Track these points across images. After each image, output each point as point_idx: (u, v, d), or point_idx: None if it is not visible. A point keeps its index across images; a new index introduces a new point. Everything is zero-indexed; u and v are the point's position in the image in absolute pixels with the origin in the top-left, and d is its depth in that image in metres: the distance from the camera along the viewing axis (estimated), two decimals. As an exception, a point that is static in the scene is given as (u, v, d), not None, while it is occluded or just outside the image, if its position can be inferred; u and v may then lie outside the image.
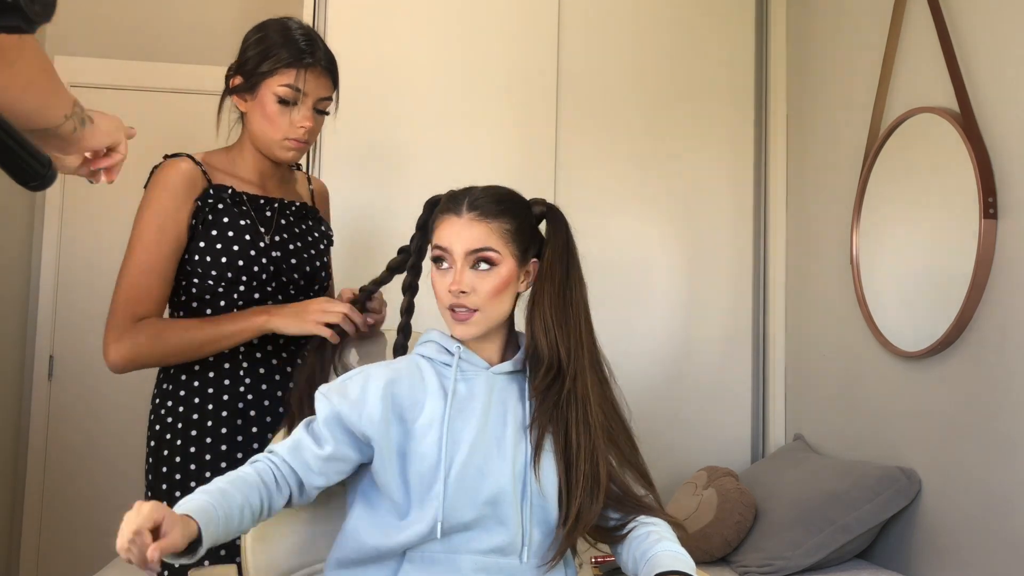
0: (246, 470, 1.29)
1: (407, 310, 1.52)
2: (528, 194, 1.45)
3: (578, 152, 2.97)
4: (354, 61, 2.84)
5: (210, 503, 1.17)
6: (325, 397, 1.34)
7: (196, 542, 1.12)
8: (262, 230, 1.71)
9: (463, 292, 1.31)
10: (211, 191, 1.68)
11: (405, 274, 1.52)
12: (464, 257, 1.32)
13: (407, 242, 1.52)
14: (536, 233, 1.42)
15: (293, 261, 1.74)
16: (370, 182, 2.83)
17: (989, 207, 2.07)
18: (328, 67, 1.71)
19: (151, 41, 3.60)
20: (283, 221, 1.76)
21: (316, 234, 1.83)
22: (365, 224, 2.77)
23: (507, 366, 1.38)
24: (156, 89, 3.64)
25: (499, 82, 2.93)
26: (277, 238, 1.73)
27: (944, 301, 2.18)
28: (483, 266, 1.33)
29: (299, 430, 1.34)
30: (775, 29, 3.07)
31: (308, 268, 1.77)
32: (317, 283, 1.80)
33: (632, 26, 3.03)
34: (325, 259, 1.84)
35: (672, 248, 3.04)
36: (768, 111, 3.06)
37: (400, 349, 1.52)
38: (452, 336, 1.37)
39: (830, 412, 2.74)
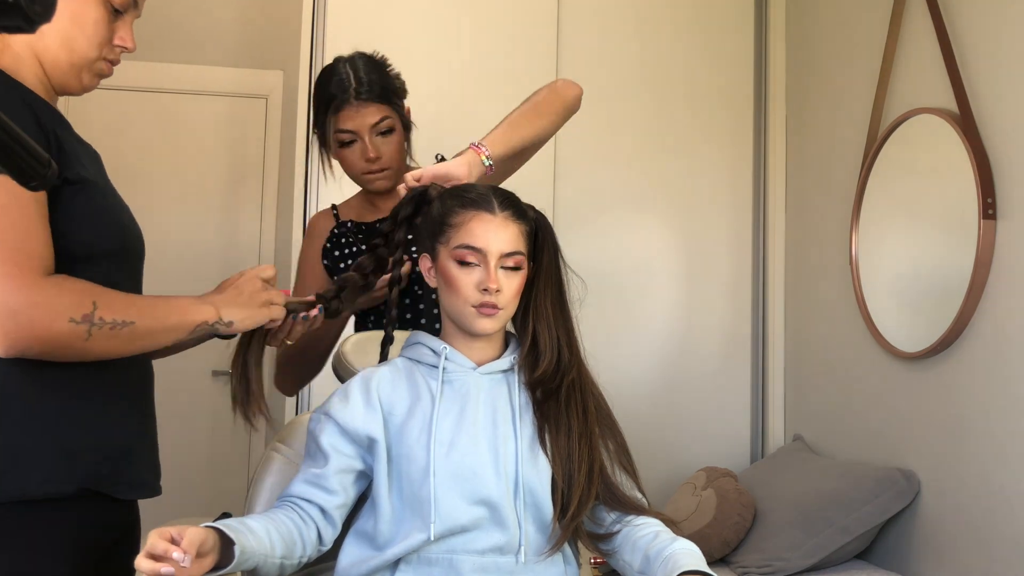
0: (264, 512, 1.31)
1: (392, 304, 1.50)
2: (527, 195, 1.45)
3: (577, 153, 2.97)
4: (354, 61, 2.85)
5: (225, 522, 1.17)
6: (323, 415, 1.34)
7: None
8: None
9: (498, 291, 1.31)
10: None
11: (390, 269, 1.50)
12: (498, 258, 1.32)
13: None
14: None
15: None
16: (370, 182, 2.84)
17: (988, 208, 2.07)
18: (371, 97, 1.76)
19: (152, 41, 3.60)
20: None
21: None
22: (365, 224, 2.77)
23: (497, 365, 1.38)
24: (156, 90, 3.65)
25: (498, 82, 2.92)
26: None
27: (943, 302, 2.18)
28: (513, 267, 1.33)
29: (301, 466, 1.35)
30: (774, 30, 3.07)
31: None
32: None
33: (631, 28, 3.03)
34: None
35: (672, 248, 3.04)
36: (767, 112, 3.06)
37: (387, 341, 1.51)
38: (470, 332, 1.35)
39: (829, 413, 2.74)
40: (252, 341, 1.41)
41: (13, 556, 1.14)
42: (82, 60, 1.27)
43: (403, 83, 1.84)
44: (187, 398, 3.58)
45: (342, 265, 1.85)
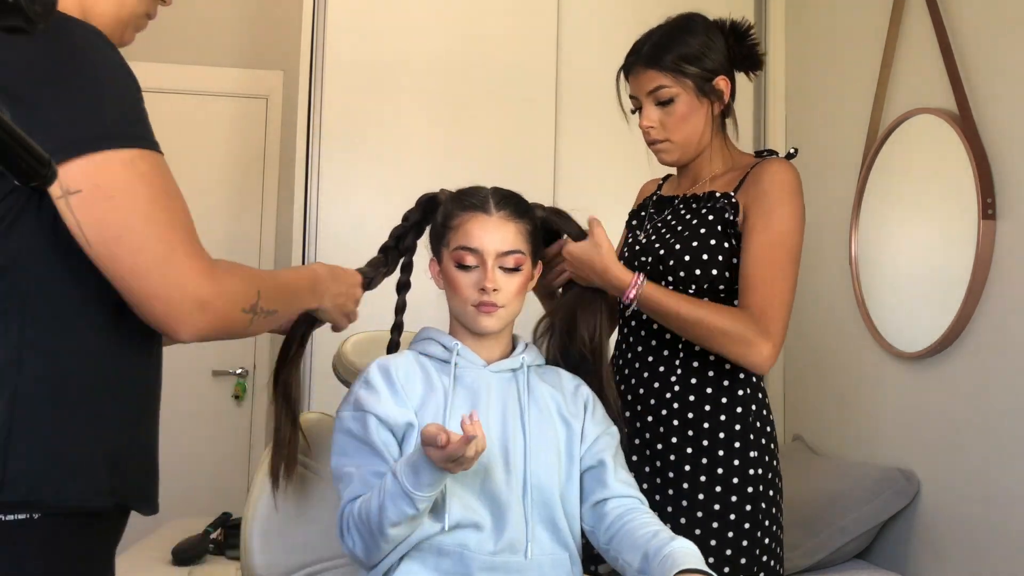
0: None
1: (400, 308, 1.51)
2: (527, 194, 1.45)
3: (578, 152, 2.97)
4: (353, 61, 2.85)
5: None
6: (359, 412, 1.31)
7: None
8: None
9: (495, 290, 1.32)
10: None
11: (398, 273, 1.51)
12: (495, 257, 1.33)
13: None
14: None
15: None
16: (369, 182, 2.84)
17: (988, 208, 2.08)
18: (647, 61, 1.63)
19: (152, 42, 3.59)
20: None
21: (694, 221, 1.62)
22: (364, 224, 2.77)
23: (507, 364, 1.39)
24: (157, 90, 3.65)
25: (499, 82, 2.93)
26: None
27: (943, 301, 2.18)
28: (512, 266, 1.35)
29: (345, 466, 1.30)
30: (774, 30, 3.07)
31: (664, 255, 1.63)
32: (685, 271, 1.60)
33: (631, 26, 3.01)
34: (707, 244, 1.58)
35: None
36: (767, 112, 3.06)
37: (393, 347, 1.52)
38: (473, 331, 1.36)
39: (829, 413, 2.74)
40: (293, 355, 1.40)
41: (44, 567, 1.07)
42: (130, 14, 1.22)
43: (709, 48, 1.65)
44: (187, 398, 3.58)
45: (634, 222, 1.78)
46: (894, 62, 2.45)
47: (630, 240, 1.73)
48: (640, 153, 2.99)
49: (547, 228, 1.47)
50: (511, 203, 1.38)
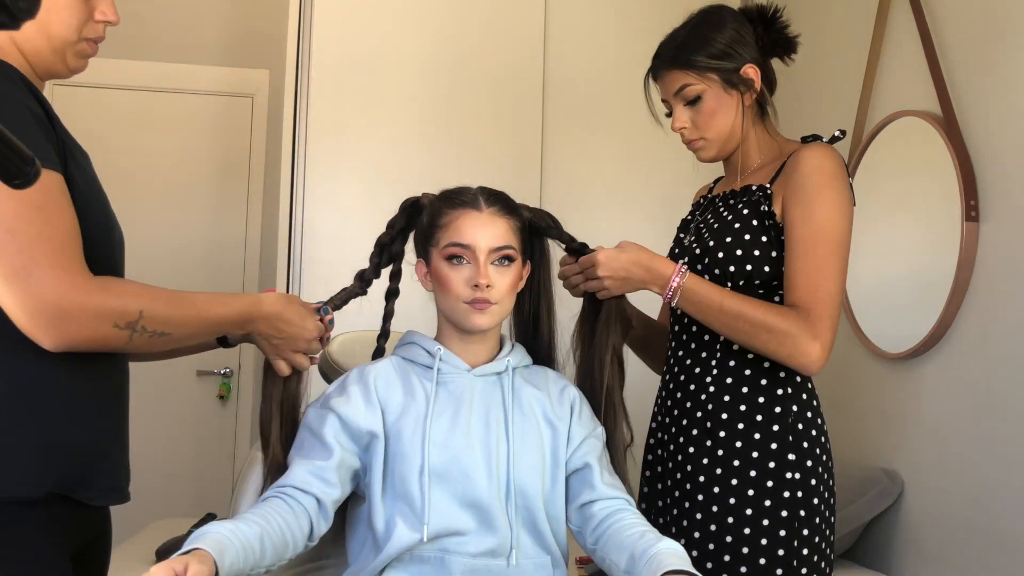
0: (259, 504, 1.25)
1: (388, 316, 1.51)
2: (513, 195, 1.45)
3: (565, 153, 2.98)
4: (340, 62, 2.84)
5: (224, 535, 1.11)
6: (323, 409, 1.32)
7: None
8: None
9: (488, 286, 1.31)
10: None
11: (389, 280, 1.50)
12: (487, 253, 1.32)
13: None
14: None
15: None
16: (355, 183, 2.83)
17: (971, 210, 2.09)
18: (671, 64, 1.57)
19: (138, 39, 3.58)
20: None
21: (729, 216, 1.57)
22: (350, 223, 2.77)
23: (491, 367, 1.38)
24: (143, 88, 3.63)
25: (485, 83, 2.93)
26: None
27: (926, 303, 2.20)
28: (504, 262, 1.34)
29: (294, 458, 1.31)
30: (760, 32, 3.09)
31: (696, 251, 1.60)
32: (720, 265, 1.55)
33: (618, 26, 3.04)
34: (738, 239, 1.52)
35: (662, 250, 3.03)
36: (753, 114, 3.07)
37: (379, 355, 1.51)
38: (464, 329, 1.35)
39: (814, 413, 2.75)
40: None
41: None
42: (62, 44, 1.25)
43: (730, 38, 1.57)
44: (172, 398, 3.56)
45: (681, 230, 1.72)
46: (879, 65, 2.47)
47: (674, 246, 1.70)
48: (631, 153, 3.02)
49: (532, 230, 1.47)
50: (500, 200, 1.37)
